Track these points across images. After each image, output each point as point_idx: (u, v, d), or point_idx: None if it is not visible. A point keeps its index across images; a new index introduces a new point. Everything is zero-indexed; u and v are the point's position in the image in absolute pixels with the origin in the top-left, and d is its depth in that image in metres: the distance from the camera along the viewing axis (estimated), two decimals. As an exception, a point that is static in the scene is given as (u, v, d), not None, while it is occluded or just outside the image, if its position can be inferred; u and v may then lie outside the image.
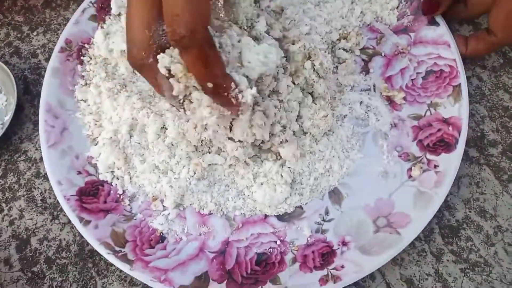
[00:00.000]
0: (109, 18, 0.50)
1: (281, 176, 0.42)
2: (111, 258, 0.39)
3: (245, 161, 0.42)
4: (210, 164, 0.43)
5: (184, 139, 0.42)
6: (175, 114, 0.43)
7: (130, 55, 0.33)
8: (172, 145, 0.43)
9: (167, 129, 0.43)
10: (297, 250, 0.41)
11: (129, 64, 0.34)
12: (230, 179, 0.43)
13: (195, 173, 0.42)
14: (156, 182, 0.42)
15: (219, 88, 0.32)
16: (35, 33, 0.53)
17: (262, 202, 0.42)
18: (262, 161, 0.43)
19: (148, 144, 0.43)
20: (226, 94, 0.33)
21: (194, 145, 0.42)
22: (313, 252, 0.40)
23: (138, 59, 0.33)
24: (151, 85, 0.35)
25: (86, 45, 0.49)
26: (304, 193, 0.43)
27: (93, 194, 0.43)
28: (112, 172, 0.44)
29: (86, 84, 0.48)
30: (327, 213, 0.42)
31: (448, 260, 0.41)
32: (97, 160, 0.44)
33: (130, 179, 0.43)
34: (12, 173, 0.46)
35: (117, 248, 0.40)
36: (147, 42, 0.32)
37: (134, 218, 0.42)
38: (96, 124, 0.45)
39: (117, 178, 0.44)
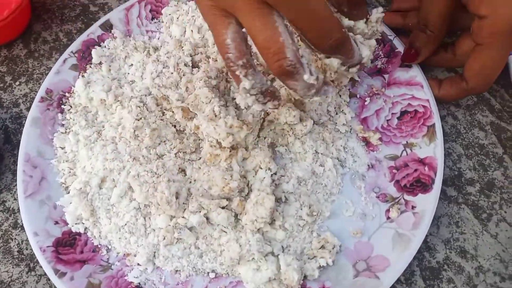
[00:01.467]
0: (90, 67, 0.51)
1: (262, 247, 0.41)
2: (87, 313, 0.39)
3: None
4: (184, 226, 0.42)
5: (153, 203, 0.42)
6: (145, 174, 0.43)
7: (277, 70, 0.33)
8: (139, 208, 0.43)
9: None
10: (276, 297, 0.40)
11: None
12: (207, 241, 0.42)
13: (164, 238, 0.41)
14: (125, 240, 0.42)
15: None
16: (17, 82, 0.54)
17: (245, 278, 0.41)
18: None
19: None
20: None
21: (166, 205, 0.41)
22: (292, 298, 0.40)
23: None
24: None
25: (66, 94, 0.50)
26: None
27: (69, 245, 0.43)
28: (82, 223, 0.43)
29: (66, 131, 0.48)
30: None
31: (430, 304, 0.40)
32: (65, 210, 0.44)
33: (99, 233, 0.43)
34: (-11, 224, 0.46)
35: (93, 301, 0.39)
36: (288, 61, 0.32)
37: (111, 268, 0.42)
38: (70, 172, 0.45)
39: (87, 230, 0.43)
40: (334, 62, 0.38)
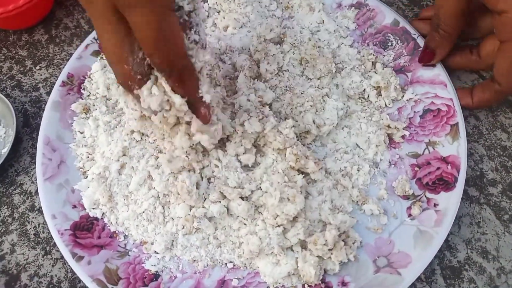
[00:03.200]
0: None
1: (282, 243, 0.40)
2: (103, 296, 0.38)
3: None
4: (204, 216, 0.41)
5: (172, 192, 0.42)
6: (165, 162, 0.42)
7: (119, 82, 0.35)
8: (158, 196, 0.42)
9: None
10: (295, 290, 0.40)
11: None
12: (226, 232, 0.41)
13: (183, 227, 0.41)
14: (142, 228, 0.42)
15: (195, 103, 0.35)
16: (37, 67, 0.54)
17: (263, 271, 0.40)
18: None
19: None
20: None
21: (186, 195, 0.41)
22: (312, 292, 0.39)
23: (126, 87, 0.34)
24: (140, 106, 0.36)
25: (86, 79, 0.50)
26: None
27: (87, 229, 0.42)
28: (100, 209, 0.43)
29: (86, 116, 0.48)
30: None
31: (450, 303, 0.40)
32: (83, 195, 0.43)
33: (116, 219, 0.43)
34: (6, 206, 0.46)
35: (110, 286, 0.39)
36: (129, 74, 0.33)
37: (128, 254, 0.41)
38: (88, 158, 0.45)
39: (104, 215, 0.43)
40: (176, 98, 0.34)
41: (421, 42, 0.49)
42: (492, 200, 0.44)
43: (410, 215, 0.42)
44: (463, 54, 0.46)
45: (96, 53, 0.51)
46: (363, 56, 0.50)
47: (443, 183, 0.43)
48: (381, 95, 0.47)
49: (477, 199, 0.44)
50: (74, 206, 0.43)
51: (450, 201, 0.41)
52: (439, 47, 0.45)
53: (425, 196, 0.43)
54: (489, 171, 0.45)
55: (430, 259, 0.39)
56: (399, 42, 0.50)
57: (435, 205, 0.42)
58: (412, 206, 0.42)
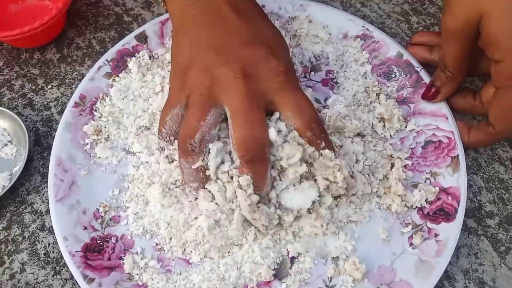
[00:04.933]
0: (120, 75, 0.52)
1: None
2: (114, 320, 0.39)
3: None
4: None
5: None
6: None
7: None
8: None
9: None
10: (299, 317, 0.41)
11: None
12: None
13: None
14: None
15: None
16: (49, 86, 0.55)
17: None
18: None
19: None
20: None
21: None
22: (315, 319, 0.41)
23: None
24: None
25: (99, 101, 0.51)
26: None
27: (98, 251, 0.43)
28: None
29: (98, 138, 0.49)
30: (330, 279, 0.43)
31: (449, 331, 0.41)
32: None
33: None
34: (16, 225, 0.46)
35: (120, 308, 0.40)
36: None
37: (137, 277, 0.42)
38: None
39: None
40: (243, 180, 0.40)
41: (424, 75, 0.51)
42: (489, 232, 0.46)
43: (411, 244, 0.44)
44: (467, 98, 0.48)
45: (108, 75, 0.52)
46: (368, 87, 0.52)
47: (444, 214, 0.44)
48: (385, 127, 0.49)
49: (475, 230, 0.46)
50: (85, 228, 0.44)
51: (450, 232, 0.43)
52: (444, 87, 0.47)
53: (426, 226, 0.44)
54: (487, 203, 0.47)
55: (431, 288, 0.40)
56: (402, 74, 0.52)
57: (436, 235, 0.43)
58: (413, 236, 0.44)
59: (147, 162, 0.47)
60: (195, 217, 0.42)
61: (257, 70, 0.40)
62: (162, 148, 0.47)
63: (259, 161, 0.40)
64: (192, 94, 0.41)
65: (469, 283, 0.43)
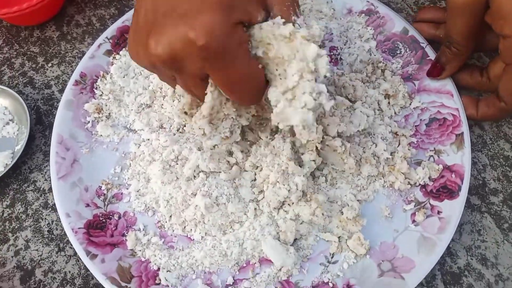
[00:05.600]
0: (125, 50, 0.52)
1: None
2: (117, 294, 0.39)
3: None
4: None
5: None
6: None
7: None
8: None
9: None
10: (301, 292, 0.41)
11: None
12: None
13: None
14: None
15: None
16: (49, 64, 0.55)
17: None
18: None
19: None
20: None
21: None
22: (317, 294, 0.41)
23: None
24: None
25: (99, 79, 0.50)
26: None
27: (100, 227, 0.43)
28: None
29: (99, 116, 0.49)
30: (331, 255, 0.43)
31: (450, 307, 0.41)
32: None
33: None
34: (20, 203, 0.47)
35: (123, 284, 0.40)
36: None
37: (140, 253, 0.43)
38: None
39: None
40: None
41: (429, 51, 0.50)
42: (493, 209, 0.45)
43: (414, 221, 0.44)
44: (473, 75, 0.47)
45: (108, 53, 0.52)
46: (373, 63, 0.51)
47: (447, 191, 0.44)
48: (389, 103, 0.49)
49: (479, 207, 0.45)
50: (87, 205, 0.44)
51: (453, 209, 0.43)
52: (449, 63, 0.46)
53: (429, 203, 0.44)
54: (491, 181, 0.47)
55: (433, 265, 0.40)
56: (407, 50, 0.51)
57: (438, 212, 0.43)
58: (416, 213, 0.44)
59: (148, 139, 0.47)
60: (192, 194, 0.42)
61: None
62: (161, 125, 0.47)
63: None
64: None
65: (472, 259, 0.43)
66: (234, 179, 0.43)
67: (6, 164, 0.47)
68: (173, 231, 0.43)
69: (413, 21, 0.53)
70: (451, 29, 0.44)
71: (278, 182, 0.42)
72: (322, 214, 0.42)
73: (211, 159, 0.42)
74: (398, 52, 0.52)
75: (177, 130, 0.47)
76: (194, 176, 0.43)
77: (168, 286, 0.41)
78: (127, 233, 0.43)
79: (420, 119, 0.48)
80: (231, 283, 0.41)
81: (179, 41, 0.31)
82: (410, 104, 0.49)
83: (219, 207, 0.42)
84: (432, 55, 0.50)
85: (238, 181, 0.44)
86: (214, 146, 0.43)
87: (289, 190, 0.41)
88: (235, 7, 0.31)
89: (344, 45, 0.53)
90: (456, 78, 0.48)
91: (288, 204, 0.43)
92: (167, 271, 0.42)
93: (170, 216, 0.43)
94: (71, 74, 0.51)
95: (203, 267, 0.42)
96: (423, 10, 0.53)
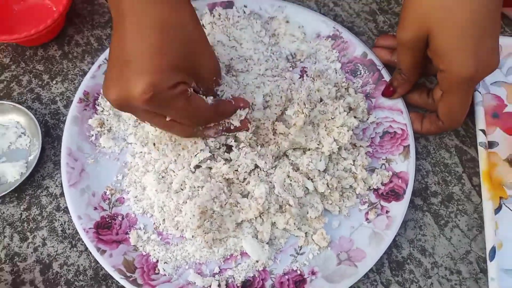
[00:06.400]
0: None
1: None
2: (124, 282, 0.48)
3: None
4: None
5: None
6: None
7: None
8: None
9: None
10: (275, 277, 0.50)
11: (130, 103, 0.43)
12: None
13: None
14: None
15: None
16: (54, 81, 0.62)
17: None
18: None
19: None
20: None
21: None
22: (288, 279, 0.50)
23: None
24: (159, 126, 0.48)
25: (100, 97, 0.58)
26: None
27: (107, 227, 0.52)
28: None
29: (101, 130, 0.56)
30: (300, 248, 0.52)
31: (394, 288, 0.51)
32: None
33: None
34: (35, 206, 0.55)
35: (129, 274, 0.49)
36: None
37: (141, 248, 0.51)
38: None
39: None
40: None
41: (385, 73, 0.59)
42: (432, 208, 0.55)
43: (367, 219, 0.53)
44: (422, 96, 0.56)
45: (107, 73, 0.59)
46: (337, 83, 0.59)
47: (394, 194, 0.54)
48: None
49: (421, 207, 0.55)
50: (95, 208, 0.52)
51: (398, 210, 0.52)
52: (400, 87, 0.55)
53: (380, 204, 0.54)
54: (432, 184, 0.56)
55: (380, 255, 0.50)
56: (366, 71, 0.60)
57: (387, 212, 0.53)
58: (369, 212, 0.53)
59: (140, 152, 0.55)
60: (183, 202, 0.51)
61: None
62: (154, 141, 0.54)
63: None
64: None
65: (413, 250, 0.53)
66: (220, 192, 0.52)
67: (22, 172, 0.55)
68: (167, 231, 0.52)
69: (372, 46, 0.62)
70: (400, 61, 0.53)
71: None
72: (294, 223, 0.50)
73: (196, 178, 0.51)
74: (359, 73, 0.60)
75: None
76: (182, 189, 0.52)
77: (165, 275, 0.50)
78: (129, 231, 0.52)
79: (375, 132, 0.58)
80: (217, 272, 0.51)
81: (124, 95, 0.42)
82: (367, 119, 0.58)
83: (211, 220, 0.50)
84: (387, 76, 0.59)
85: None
86: (198, 165, 0.52)
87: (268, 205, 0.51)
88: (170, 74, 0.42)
89: (313, 65, 0.61)
90: (408, 97, 0.58)
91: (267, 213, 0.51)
92: (165, 263, 0.50)
93: (164, 220, 0.52)
94: (74, 91, 0.58)
95: (194, 259, 0.51)
96: (381, 38, 0.61)
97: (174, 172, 0.52)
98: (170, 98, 0.42)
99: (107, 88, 0.43)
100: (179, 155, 0.53)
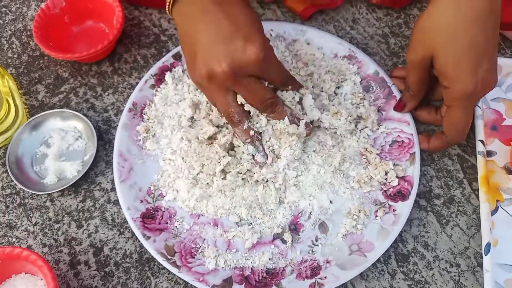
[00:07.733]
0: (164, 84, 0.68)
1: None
2: (165, 264, 0.57)
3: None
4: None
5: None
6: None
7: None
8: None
9: None
10: (294, 265, 0.58)
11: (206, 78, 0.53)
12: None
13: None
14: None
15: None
16: (106, 93, 0.72)
17: None
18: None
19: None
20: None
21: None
22: (305, 266, 0.58)
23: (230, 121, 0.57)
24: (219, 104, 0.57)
25: (146, 106, 0.67)
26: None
27: (151, 217, 0.60)
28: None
29: (147, 135, 0.66)
30: (316, 239, 0.60)
31: (399, 278, 0.58)
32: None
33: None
34: (89, 199, 0.64)
35: (169, 257, 0.57)
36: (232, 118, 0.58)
37: (180, 236, 0.60)
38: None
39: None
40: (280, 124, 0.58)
41: (394, 89, 0.67)
42: (435, 209, 0.62)
43: (376, 216, 0.60)
44: (431, 113, 0.63)
45: (152, 86, 0.68)
46: (354, 93, 0.67)
47: (401, 195, 0.61)
48: (358, 124, 0.65)
49: (425, 207, 0.62)
50: (141, 201, 0.61)
51: (404, 209, 0.59)
52: (409, 102, 0.63)
53: (388, 203, 0.61)
54: (435, 188, 0.63)
55: (387, 247, 0.57)
56: (378, 88, 0.68)
57: (394, 210, 0.60)
58: (378, 210, 0.61)
59: (170, 159, 0.64)
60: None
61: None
62: (182, 148, 0.63)
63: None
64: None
65: (417, 245, 0.60)
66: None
67: (79, 170, 0.64)
68: (204, 227, 0.60)
69: (384, 66, 0.70)
70: (409, 79, 0.61)
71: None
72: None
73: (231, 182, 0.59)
74: (371, 89, 0.68)
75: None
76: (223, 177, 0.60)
77: (200, 259, 0.58)
78: (170, 221, 0.61)
79: (385, 141, 0.65)
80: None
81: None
82: (377, 129, 0.66)
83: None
84: (396, 92, 0.67)
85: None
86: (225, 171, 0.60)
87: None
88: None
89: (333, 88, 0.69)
90: (418, 115, 0.65)
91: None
92: (200, 252, 0.59)
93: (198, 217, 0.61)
94: (123, 101, 0.68)
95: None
96: (396, 70, 0.69)
97: (204, 180, 0.60)
98: (270, 64, 0.53)
99: (213, 58, 0.51)
100: (204, 165, 0.60)
